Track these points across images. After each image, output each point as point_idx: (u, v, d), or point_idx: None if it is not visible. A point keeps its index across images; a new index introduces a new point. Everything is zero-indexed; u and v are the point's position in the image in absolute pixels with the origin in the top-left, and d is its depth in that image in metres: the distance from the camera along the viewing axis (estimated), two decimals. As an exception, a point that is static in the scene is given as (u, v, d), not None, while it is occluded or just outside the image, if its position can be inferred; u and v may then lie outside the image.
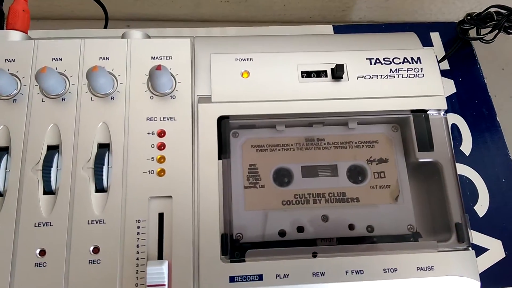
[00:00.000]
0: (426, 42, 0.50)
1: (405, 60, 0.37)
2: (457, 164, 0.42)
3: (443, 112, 0.35)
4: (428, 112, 0.35)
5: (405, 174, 0.35)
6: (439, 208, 0.33)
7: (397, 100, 0.35)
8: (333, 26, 0.50)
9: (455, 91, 0.47)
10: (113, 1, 0.49)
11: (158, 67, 0.32)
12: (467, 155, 0.43)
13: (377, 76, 0.36)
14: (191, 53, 0.35)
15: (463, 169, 0.43)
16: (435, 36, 0.51)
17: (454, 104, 0.46)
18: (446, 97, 0.46)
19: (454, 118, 0.45)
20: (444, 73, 0.48)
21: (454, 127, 0.45)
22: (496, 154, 0.43)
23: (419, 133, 0.35)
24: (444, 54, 0.49)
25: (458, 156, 0.43)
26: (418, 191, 0.35)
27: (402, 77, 0.36)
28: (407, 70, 0.36)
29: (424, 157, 0.34)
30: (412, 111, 0.35)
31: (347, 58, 0.36)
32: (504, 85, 0.64)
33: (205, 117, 0.33)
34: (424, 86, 0.36)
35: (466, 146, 0.44)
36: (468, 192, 0.41)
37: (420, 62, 0.37)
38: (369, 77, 0.36)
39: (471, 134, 0.45)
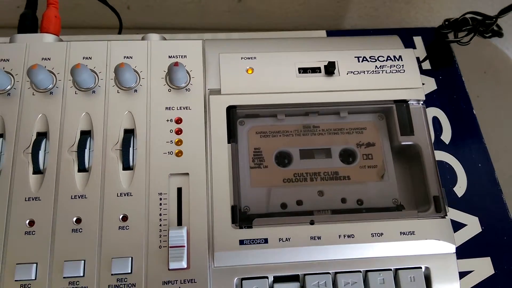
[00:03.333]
0: (410, 45, 0.55)
1: (388, 58, 0.42)
2: (438, 152, 0.47)
3: (421, 102, 0.40)
4: (408, 102, 0.40)
5: (390, 155, 0.40)
6: (419, 184, 0.38)
7: (381, 92, 0.40)
8: (326, 31, 0.55)
9: (436, 88, 0.52)
10: (123, 12, 0.54)
11: (176, 64, 0.37)
12: (447, 143, 0.48)
13: (364, 71, 0.41)
14: (203, 52, 0.40)
15: (444, 156, 0.48)
16: (417, 40, 0.56)
17: (435, 99, 0.52)
18: (428, 93, 0.52)
19: (435, 112, 0.51)
20: (426, 72, 0.53)
21: (436, 120, 0.50)
22: (472, 142, 0.48)
23: (401, 120, 0.40)
24: (426, 55, 0.55)
25: (439, 145, 0.48)
26: (401, 170, 0.40)
27: (386, 72, 0.41)
28: (390, 67, 0.41)
29: (406, 141, 0.39)
30: (395, 101, 0.40)
31: (338, 56, 0.41)
32: (486, 86, 0.70)
33: (216, 107, 0.38)
34: (405, 80, 0.41)
35: (446, 136, 0.49)
36: (448, 176, 0.46)
37: (402, 60, 0.42)
38: (357, 72, 0.41)
39: (450, 125, 0.50)
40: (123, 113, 0.37)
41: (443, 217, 0.36)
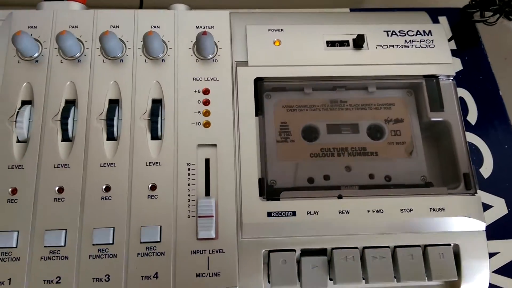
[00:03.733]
0: (436, 24, 0.54)
1: (418, 33, 0.41)
2: (464, 132, 0.47)
3: (452, 78, 0.40)
4: (439, 78, 0.40)
5: (418, 132, 0.39)
6: (449, 161, 0.38)
7: (411, 67, 0.39)
8: (350, 9, 0.54)
9: (461, 68, 0.51)
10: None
11: (204, 33, 0.36)
12: (473, 124, 0.48)
13: (393, 46, 0.40)
14: (229, 24, 0.40)
15: (470, 137, 0.47)
16: (443, 20, 0.55)
17: (461, 80, 0.50)
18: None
19: (461, 92, 0.50)
20: (452, 53, 0.52)
21: (461, 100, 0.49)
22: (498, 123, 0.48)
23: (431, 96, 0.39)
24: (451, 35, 0.53)
25: (465, 125, 0.47)
26: (430, 147, 0.39)
27: (416, 47, 0.40)
28: (420, 41, 0.41)
29: (436, 117, 0.39)
30: (425, 76, 0.39)
31: (367, 30, 0.41)
32: (506, 73, 0.68)
33: (243, 78, 0.38)
34: (435, 55, 0.40)
35: (472, 117, 0.48)
36: (474, 157, 0.46)
37: (431, 35, 0.41)
38: (386, 46, 0.40)
39: (476, 106, 0.49)
40: (151, 82, 0.36)
41: (473, 194, 0.36)
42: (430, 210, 0.34)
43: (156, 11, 0.39)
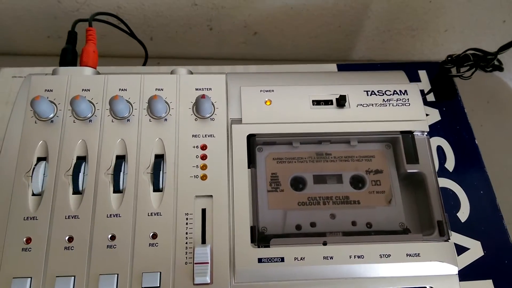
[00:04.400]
0: (415, 78, 0.58)
1: (395, 92, 0.46)
2: (442, 179, 0.50)
3: (425, 133, 0.44)
4: (414, 133, 0.44)
5: (397, 182, 0.43)
6: (424, 209, 0.41)
7: (389, 123, 0.44)
8: (337, 64, 0.60)
9: (440, 118, 0.56)
10: (147, 42, 0.59)
11: (203, 96, 0.41)
12: (451, 171, 0.51)
13: (372, 104, 0.45)
14: (225, 85, 0.44)
15: (447, 183, 0.50)
16: (422, 73, 0.60)
17: (439, 129, 0.55)
18: (432, 124, 0.55)
19: (439, 141, 0.54)
20: (430, 104, 0.57)
21: (440, 148, 0.53)
22: (474, 170, 0.51)
23: (407, 150, 0.43)
24: (430, 88, 0.58)
25: (443, 172, 0.51)
26: (407, 195, 0.43)
27: (393, 105, 0.45)
28: (396, 100, 0.45)
29: (411, 169, 0.42)
30: (401, 132, 0.43)
31: (349, 90, 0.45)
32: (489, 116, 0.73)
33: (237, 135, 0.42)
34: (410, 112, 0.44)
35: (450, 164, 0.52)
36: (451, 202, 0.49)
37: (407, 94, 0.46)
38: (366, 105, 0.45)
39: (454, 154, 0.53)
40: (154, 139, 0.41)
41: (446, 241, 0.39)
42: (407, 255, 0.38)
43: (160, 76, 0.44)
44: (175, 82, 0.43)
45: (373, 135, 0.44)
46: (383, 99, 0.45)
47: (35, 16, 0.65)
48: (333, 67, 0.58)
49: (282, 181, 0.43)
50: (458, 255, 0.44)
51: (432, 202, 0.41)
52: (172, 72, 0.45)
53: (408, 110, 0.44)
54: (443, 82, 0.58)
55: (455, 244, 0.39)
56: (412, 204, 0.42)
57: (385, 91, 0.45)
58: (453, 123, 0.55)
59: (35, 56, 0.72)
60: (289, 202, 0.42)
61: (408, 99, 0.45)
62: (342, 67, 0.58)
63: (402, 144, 0.43)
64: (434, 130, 0.55)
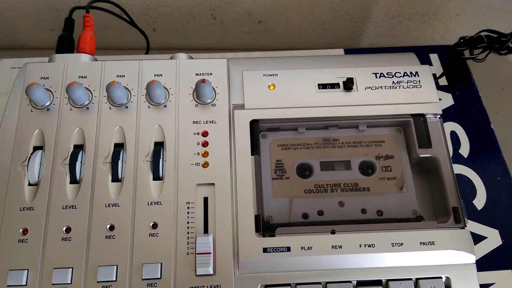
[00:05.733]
0: (426, 62, 0.56)
1: (405, 74, 0.44)
2: (456, 165, 0.48)
3: (438, 116, 0.42)
4: (426, 116, 0.42)
5: (408, 167, 0.41)
6: (438, 195, 0.39)
7: (399, 107, 0.42)
8: (344, 50, 0.57)
9: (453, 103, 0.53)
10: (149, 33, 0.58)
11: (203, 81, 0.39)
12: (465, 157, 0.49)
13: (381, 87, 0.43)
14: (227, 70, 0.43)
15: (462, 169, 0.48)
16: (434, 57, 0.58)
17: (452, 114, 0.52)
18: (445, 109, 0.53)
19: (453, 126, 0.51)
20: (443, 88, 0.55)
21: (454, 134, 0.51)
22: (490, 155, 0.49)
23: (419, 133, 0.41)
24: (442, 72, 0.56)
25: (458, 158, 0.49)
26: (420, 181, 0.41)
27: (403, 87, 0.43)
28: (407, 82, 0.43)
29: (424, 153, 0.40)
30: (412, 115, 0.41)
31: (356, 73, 0.43)
32: (504, 102, 0.70)
33: (240, 121, 0.40)
34: (422, 94, 0.42)
35: (464, 150, 0.50)
36: (467, 189, 0.47)
37: (418, 76, 0.43)
38: (375, 87, 0.42)
39: (468, 139, 0.50)
40: (154, 126, 0.39)
41: (463, 228, 0.37)
42: (421, 244, 0.35)
43: (159, 61, 0.42)
44: (175, 67, 0.42)
45: (383, 119, 0.42)
46: (393, 81, 0.43)
47: (37, 8, 0.64)
48: (340, 52, 0.56)
49: (288, 169, 0.41)
50: (475, 244, 0.41)
51: (446, 188, 0.39)
52: (171, 58, 0.43)
53: (420, 92, 0.42)
54: (456, 65, 0.56)
55: (471, 233, 0.37)
56: (425, 191, 0.40)
57: (395, 73, 0.43)
58: (467, 108, 0.53)
59: (38, 49, 0.71)
60: (295, 190, 0.40)
61: (419, 81, 0.43)
62: (349, 53, 0.56)
63: (414, 128, 0.41)
64: (448, 115, 0.52)
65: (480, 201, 0.46)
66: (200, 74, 0.42)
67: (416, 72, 0.44)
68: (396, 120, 0.42)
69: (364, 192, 0.40)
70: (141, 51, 0.61)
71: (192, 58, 0.44)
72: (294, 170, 0.41)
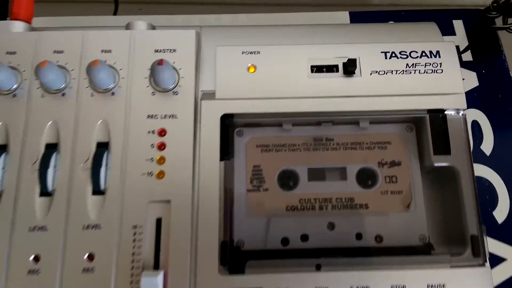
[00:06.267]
0: (448, 31, 0.47)
1: (423, 54, 0.34)
2: (476, 165, 0.40)
3: (462, 112, 0.33)
4: (446, 112, 0.33)
5: (419, 179, 0.33)
6: (454, 218, 0.31)
7: (413, 98, 0.33)
8: (349, 13, 0.47)
9: (477, 84, 0.44)
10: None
11: (160, 62, 0.30)
12: (488, 155, 0.41)
13: (392, 71, 0.33)
14: (196, 45, 0.33)
15: (483, 170, 0.40)
16: (458, 24, 0.47)
17: (475, 99, 0.43)
18: (468, 91, 0.43)
19: (475, 114, 0.43)
20: (466, 65, 0.45)
21: (475, 124, 0.42)
22: (518, 154, 0.41)
23: (435, 135, 0.32)
24: (467, 44, 0.46)
25: (478, 156, 0.41)
26: (432, 198, 0.33)
27: (419, 72, 0.33)
28: (425, 65, 0.34)
29: (440, 161, 0.32)
30: (429, 111, 0.33)
31: (361, 51, 0.34)
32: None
33: (208, 115, 0.31)
34: (443, 83, 0.33)
35: (487, 145, 0.41)
36: (487, 195, 0.39)
37: (439, 56, 0.34)
38: (383, 72, 0.33)
39: (493, 132, 0.42)
40: (97, 121, 0.31)
41: (482, 265, 0.29)
42: (428, 287, 0.28)
43: (108, 32, 0.33)
44: (128, 41, 0.32)
45: (391, 115, 0.33)
46: (407, 64, 0.34)
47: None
48: (344, 16, 0.46)
49: (267, 177, 0.33)
50: (492, 267, 0.34)
51: (466, 209, 0.31)
52: (127, 27, 0.34)
53: (440, 80, 0.33)
54: (484, 36, 0.46)
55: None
56: (438, 210, 0.33)
57: (410, 53, 0.34)
58: (494, 91, 0.44)
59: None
60: (275, 205, 0.32)
61: (440, 63, 0.34)
62: (355, 17, 0.46)
63: (430, 127, 0.33)
64: (470, 99, 0.43)
65: (501, 212, 0.39)
66: (161, 51, 0.33)
67: (438, 52, 0.34)
68: (407, 115, 0.33)
69: (361, 210, 0.32)
70: (109, 4, 0.51)
71: (154, 28, 0.34)
72: (275, 179, 0.33)
